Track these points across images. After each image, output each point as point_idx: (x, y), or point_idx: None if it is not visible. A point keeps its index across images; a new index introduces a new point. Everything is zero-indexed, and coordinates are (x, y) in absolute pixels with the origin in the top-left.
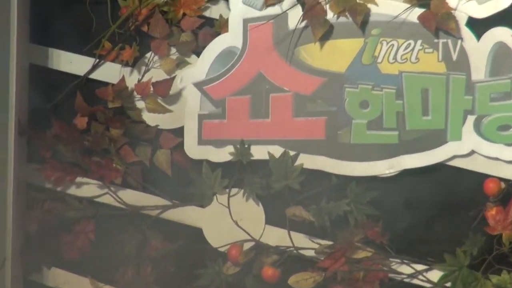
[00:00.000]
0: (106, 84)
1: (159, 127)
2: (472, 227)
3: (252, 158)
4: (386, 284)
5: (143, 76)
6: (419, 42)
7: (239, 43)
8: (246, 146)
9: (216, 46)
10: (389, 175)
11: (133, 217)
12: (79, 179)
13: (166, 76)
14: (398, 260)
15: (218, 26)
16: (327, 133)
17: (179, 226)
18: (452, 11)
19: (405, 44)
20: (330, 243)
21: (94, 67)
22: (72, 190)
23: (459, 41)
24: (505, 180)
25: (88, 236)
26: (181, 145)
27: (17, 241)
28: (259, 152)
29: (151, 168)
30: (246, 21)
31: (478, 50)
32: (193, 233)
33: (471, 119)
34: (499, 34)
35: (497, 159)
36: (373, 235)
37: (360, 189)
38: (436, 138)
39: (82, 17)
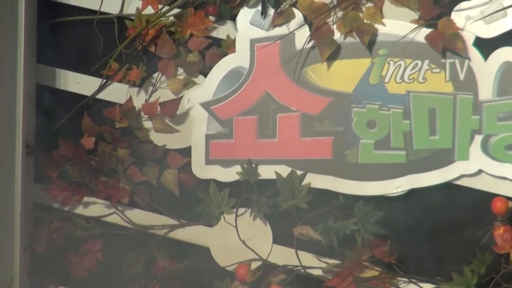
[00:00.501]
0: (113, 104)
1: (166, 147)
2: (480, 246)
3: (259, 178)
4: None
5: (150, 96)
6: (426, 62)
7: (246, 63)
8: (253, 165)
9: (223, 66)
10: (396, 194)
11: (141, 237)
12: (86, 199)
13: (173, 96)
14: (406, 279)
15: (225, 47)
16: (334, 153)
17: (186, 246)
18: (459, 31)
19: (412, 64)
20: (338, 262)
21: (101, 88)
22: (80, 210)
23: (466, 61)
24: None
25: (95, 255)
26: (188, 165)
27: (24, 260)
28: (266, 172)
29: (158, 188)
30: (253, 41)
31: (485, 70)
32: (201, 252)
33: (478, 138)
34: (506, 54)
35: (504, 178)
36: (381, 254)
37: (368, 208)
38: (444, 158)
39: (89, 38)
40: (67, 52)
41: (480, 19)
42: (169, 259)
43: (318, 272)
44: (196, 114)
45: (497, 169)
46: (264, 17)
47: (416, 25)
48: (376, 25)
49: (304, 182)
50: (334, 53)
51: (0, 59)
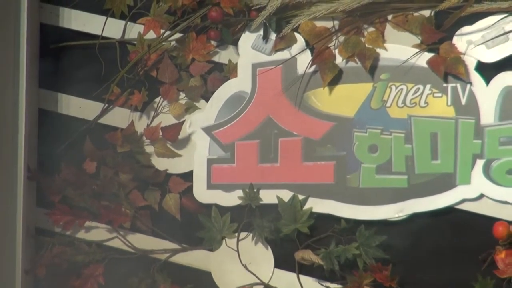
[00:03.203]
0: (115, 128)
1: (168, 171)
2: (482, 270)
3: (261, 202)
4: None
5: (152, 120)
6: (428, 86)
7: (248, 88)
8: (255, 190)
9: (225, 91)
10: (398, 219)
11: (142, 261)
12: (88, 223)
13: (175, 121)
14: None
15: (227, 71)
16: (336, 177)
17: (188, 270)
18: (461, 56)
19: (414, 89)
20: (340, 286)
21: (103, 112)
22: (81, 234)
23: (468, 86)
24: None
25: (97, 279)
26: (190, 189)
27: (26, 285)
28: (268, 196)
29: (160, 212)
30: (255, 66)
31: (487, 94)
32: (202, 276)
33: (480, 163)
34: (508, 78)
35: (506, 202)
36: (382, 278)
37: (369, 232)
38: (445, 182)
39: (91, 62)
40: (69, 76)
41: (482, 43)
42: (170, 283)
43: None
44: (197, 139)
45: (498, 193)
46: (266, 42)
47: (418, 50)
48: (378, 50)
49: (306, 207)
50: (335, 78)
51: (2, 84)
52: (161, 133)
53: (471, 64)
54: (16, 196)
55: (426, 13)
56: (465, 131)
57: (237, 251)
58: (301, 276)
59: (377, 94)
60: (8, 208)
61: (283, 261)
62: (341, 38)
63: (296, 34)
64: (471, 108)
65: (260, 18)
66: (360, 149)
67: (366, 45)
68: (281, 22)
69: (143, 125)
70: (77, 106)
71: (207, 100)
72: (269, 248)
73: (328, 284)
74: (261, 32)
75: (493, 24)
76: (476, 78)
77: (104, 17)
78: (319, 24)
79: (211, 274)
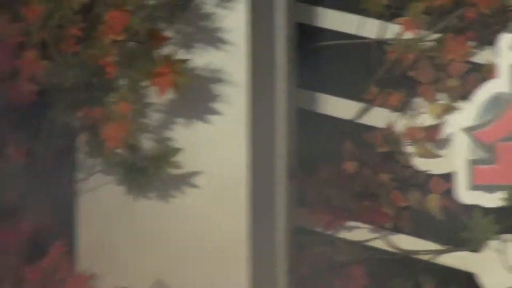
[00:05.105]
0: (373, 128)
1: (428, 172)
2: None
3: None
4: None
5: (411, 121)
6: None
7: (508, 88)
8: None
9: (484, 92)
10: None
11: (405, 262)
12: (349, 223)
13: (433, 121)
14: None
15: (486, 72)
16: None
17: (451, 271)
18: None
19: None
20: None
21: (361, 112)
22: (342, 234)
23: None
24: None
25: (360, 280)
26: (451, 190)
27: (289, 283)
28: None
29: (420, 213)
30: None
31: None
32: (467, 278)
33: None
34: None
35: None
36: None
37: None
38: None
39: (348, 62)
40: (327, 76)
41: None
42: (434, 285)
43: None
44: (457, 139)
45: None
46: None
47: None
48: None
49: None
50: None
51: (261, 84)
52: (420, 134)
53: None
54: (276, 195)
55: None
56: None
57: (504, 252)
58: None
59: None
60: (269, 207)
61: None
62: None
63: None
64: None
65: None
66: None
67: None
68: None
69: (401, 125)
70: (335, 106)
71: (466, 100)
72: None
73: None
74: None
75: None
76: None
77: (359, 16)
78: None
79: (476, 276)
